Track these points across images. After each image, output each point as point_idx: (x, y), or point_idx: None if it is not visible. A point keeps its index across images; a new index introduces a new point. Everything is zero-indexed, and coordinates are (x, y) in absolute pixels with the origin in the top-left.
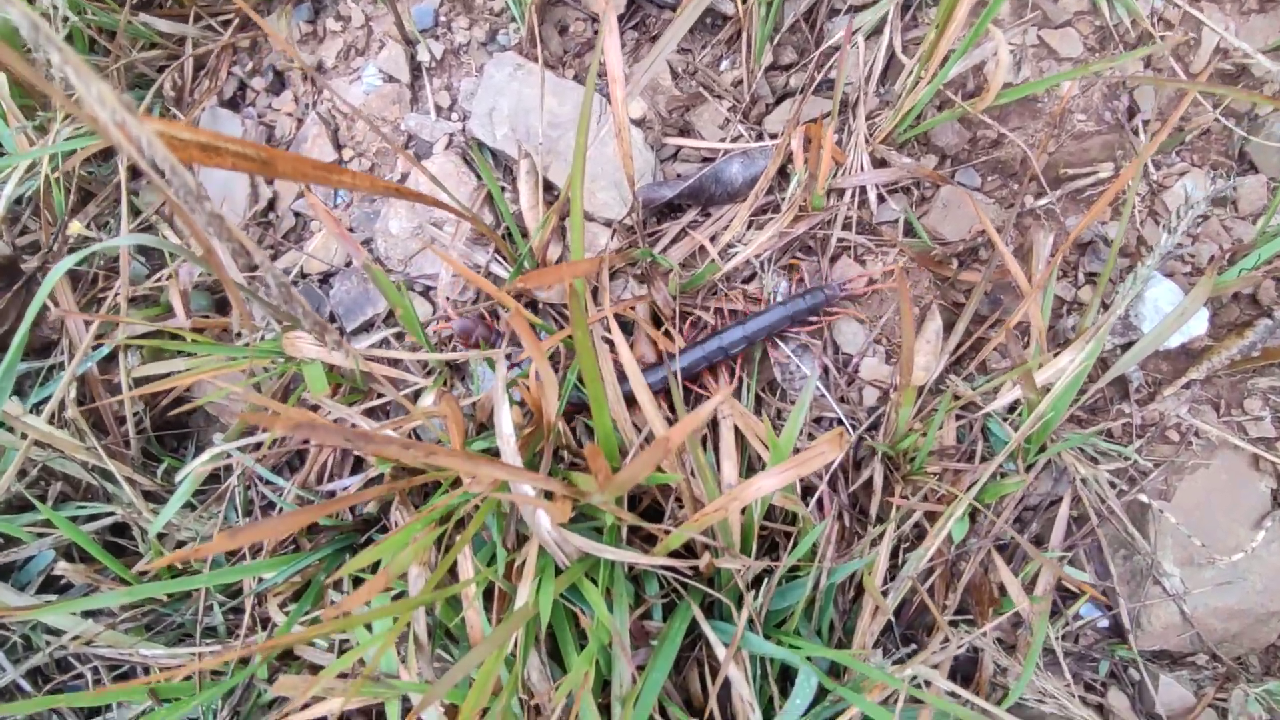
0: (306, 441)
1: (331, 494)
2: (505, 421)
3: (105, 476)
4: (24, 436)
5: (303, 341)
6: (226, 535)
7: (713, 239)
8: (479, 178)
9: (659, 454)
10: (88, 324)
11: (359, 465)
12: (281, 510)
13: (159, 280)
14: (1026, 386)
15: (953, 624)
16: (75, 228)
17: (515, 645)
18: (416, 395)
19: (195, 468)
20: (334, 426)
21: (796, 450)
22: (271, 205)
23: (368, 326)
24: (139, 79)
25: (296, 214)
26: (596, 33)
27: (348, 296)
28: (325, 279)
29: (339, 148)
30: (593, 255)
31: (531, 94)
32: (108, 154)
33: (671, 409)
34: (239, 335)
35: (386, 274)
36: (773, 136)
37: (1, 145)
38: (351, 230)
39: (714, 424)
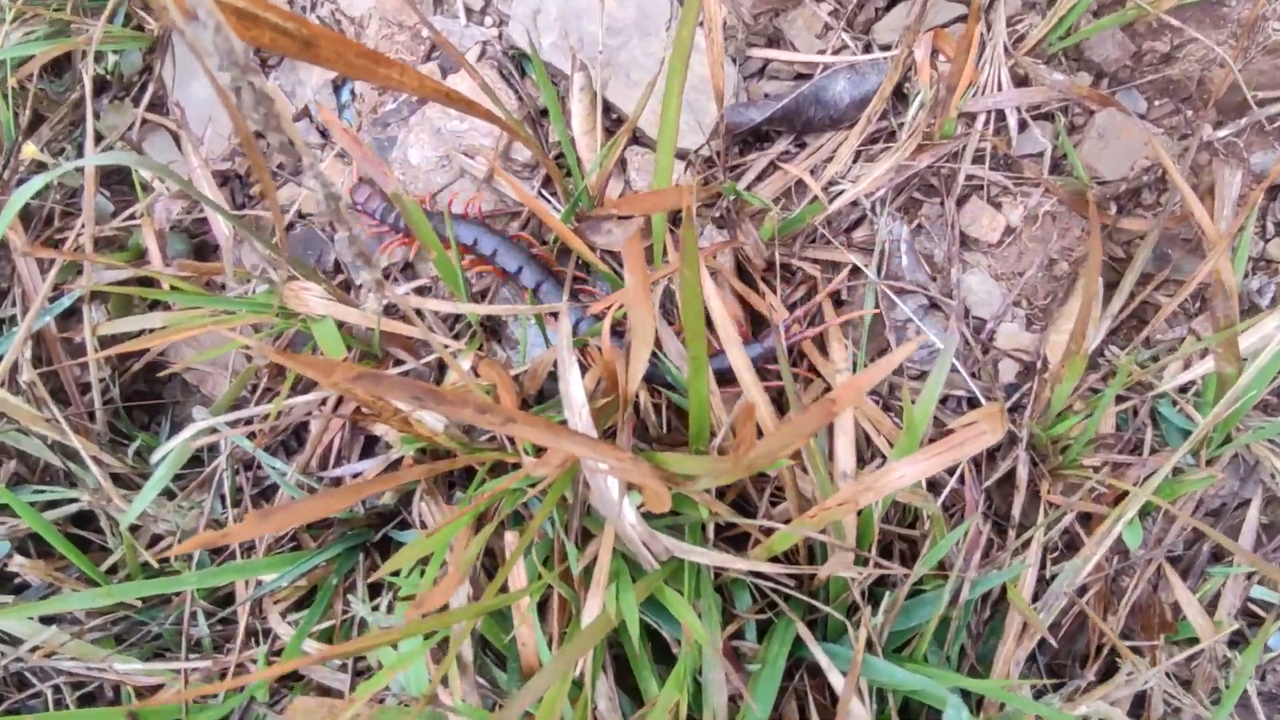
0: (308, 414)
1: (338, 480)
2: (575, 386)
3: (68, 455)
4: None
5: (309, 294)
6: (256, 518)
7: (812, 173)
8: (520, 97)
9: (817, 420)
10: (45, 267)
11: (370, 447)
12: (278, 497)
13: (128, 219)
14: (1225, 358)
15: (1111, 651)
16: (29, 151)
17: (579, 668)
18: (441, 366)
19: (175, 447)
20: (403, 380)
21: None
22: (260, 134)
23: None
24: None
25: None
26: None
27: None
28: (330, 221)
29: None
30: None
31: None
32: (60, 67)
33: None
34: (223, 287)
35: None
36: (884, 48)
37: None
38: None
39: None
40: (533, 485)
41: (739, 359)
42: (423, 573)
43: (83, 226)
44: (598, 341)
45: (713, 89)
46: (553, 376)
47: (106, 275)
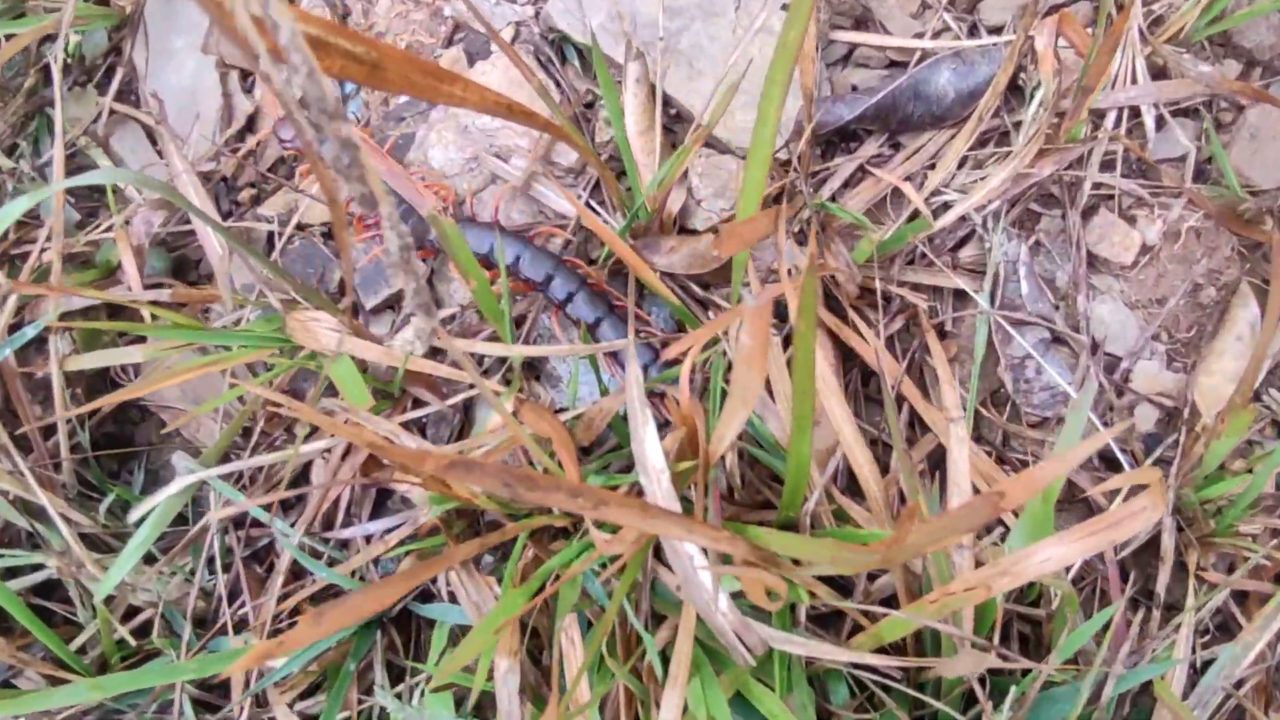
0: (306, 469)
1: (345, 543)
2: (653, 449)
3: (31, 512)
4: None
5: (320, 326)
6: (310, 621)
7: (910, 180)
8: (560, 88)
9: (982, 514)
10: (3, 296)
11: (382, 503)
12: (276, 562)
13: (96, 230)
14: None
15: None
16: None
17: None
18: (467, 405)
19: (160, 504)
20: (498, 469)
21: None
22: (250, 125)
23: (393, 303)
24: None
25: (284, 142)
26: None
27: (365, 257)
28: (332, 234)
29: None
30: (735, 199)
31: None
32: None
33: None
34: (206, 311)
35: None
36: (993, 30)
37: None
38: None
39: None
40: (602, 562)
41: (844, 421)
42: (454, 642)
43: (48, 242)
44: (668, 389)
45: (799, 85)
46: (612, 426)
47: (75, 300)
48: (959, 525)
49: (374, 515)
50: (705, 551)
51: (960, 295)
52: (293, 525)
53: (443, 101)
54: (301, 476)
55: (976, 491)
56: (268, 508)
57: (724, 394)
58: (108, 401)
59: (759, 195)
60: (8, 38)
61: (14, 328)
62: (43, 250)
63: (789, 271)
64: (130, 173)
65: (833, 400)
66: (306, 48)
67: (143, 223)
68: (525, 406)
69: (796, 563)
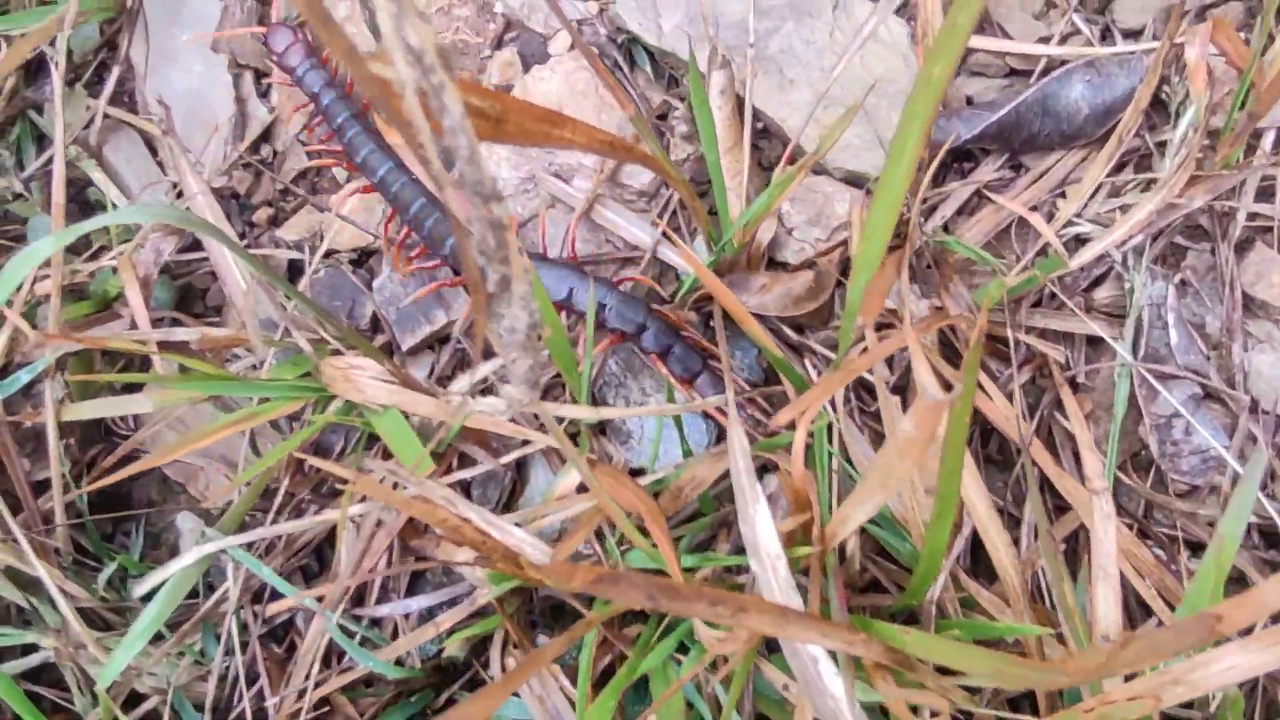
0: (330, 533)
1: (377, 622)
2: (766, 531)
3: (22, 584)
4: None
5: (362, 374)
6: None
7: (1035, 209)
8: (634, 99)
9: (1196, 636)
10: None
11: (419, 577)
12: (298, 643)
13: (93, 256)
14: None
15: None
16: None
17: None
18: (519, 464)
19: (172, 576)
20: (643, 579)
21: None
22: (267, 134)
23: (432, 343)
24: None
25: (308, 153)
26: None
27: (403, 294)
28: (361, 261)
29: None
30: (838, 230)
31: None
32: None
33: None
34: (221, 355)
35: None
36: (1129, 34)
37: None
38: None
39: (1025, 524)
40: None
41: (979, 499)
42: None
43: (40, 276)
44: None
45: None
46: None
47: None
48: (1165, 649)
49: (410, 588)
50: (831, 652)
51: (1094, 341)
52: (320, 600)
53: (554, 145)
54: (325, 541)
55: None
56: (287, 577)
57: (830, 457)
58: (120, 474)
59: (885, 241)
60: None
61: (1, 370)
62: (35, 281)
63: (919, 323)
64: (156, 208)
65: (967, 475)
66: (472, 132)
67: (151, 251)
68: (601, 471)
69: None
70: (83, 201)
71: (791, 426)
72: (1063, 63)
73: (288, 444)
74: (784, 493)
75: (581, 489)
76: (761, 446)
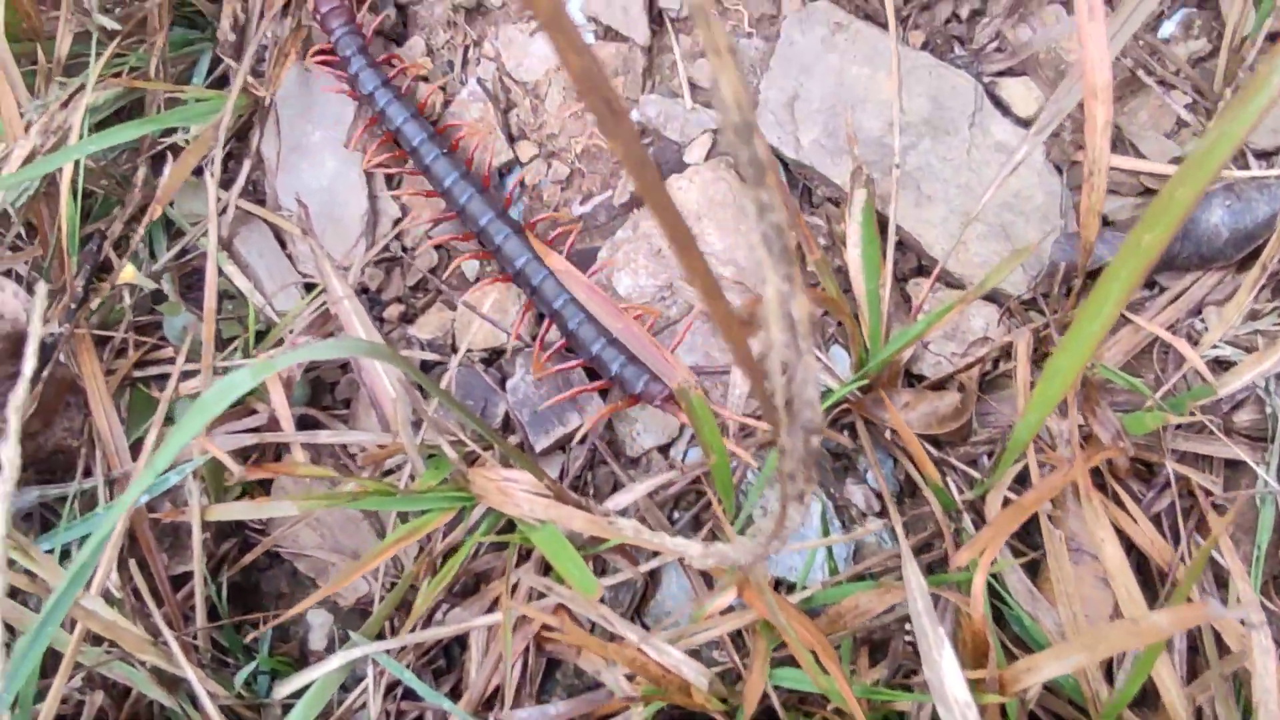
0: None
1: None
2: (953, 678)
3: (164, 683)
4: (70, 625)
5: (515, 486)
6: None
7: (1172, 328)
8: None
9: None
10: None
11: (551, 674)
12: None
13: (230, 351)
14: None
15: None
16: (128, 274)
17: None
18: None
19: (319, 680)
20: None
21: None
22: (397, 231)
23: (564, 444)
24: (182, 16)
25: (438, 247)
26: None
27: (535, 395)
28: (492, 360)
29: (513, 138)
30: (974, 345)
31: (861, 75)
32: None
33: None
34: (359, 463)
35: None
36: (1262, 156)
37: None
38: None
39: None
40: None
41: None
42: None
43: (178, 374)
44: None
45: (1080, 237)
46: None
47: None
48: None
49: (544, 697)
50: None
51: (1233, 463)
52: (456, 702)
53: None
54: (455, 641)
55: None
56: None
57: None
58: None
59: (1066, 387)
60: (141, 151)
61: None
62: (181, 380)
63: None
64: (354, 343)
65: (1134, 609)
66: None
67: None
68: (750, 591)
69: None
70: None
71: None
72: None
73: (448, 567)
74: (962, 633)
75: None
76: (934, 582)
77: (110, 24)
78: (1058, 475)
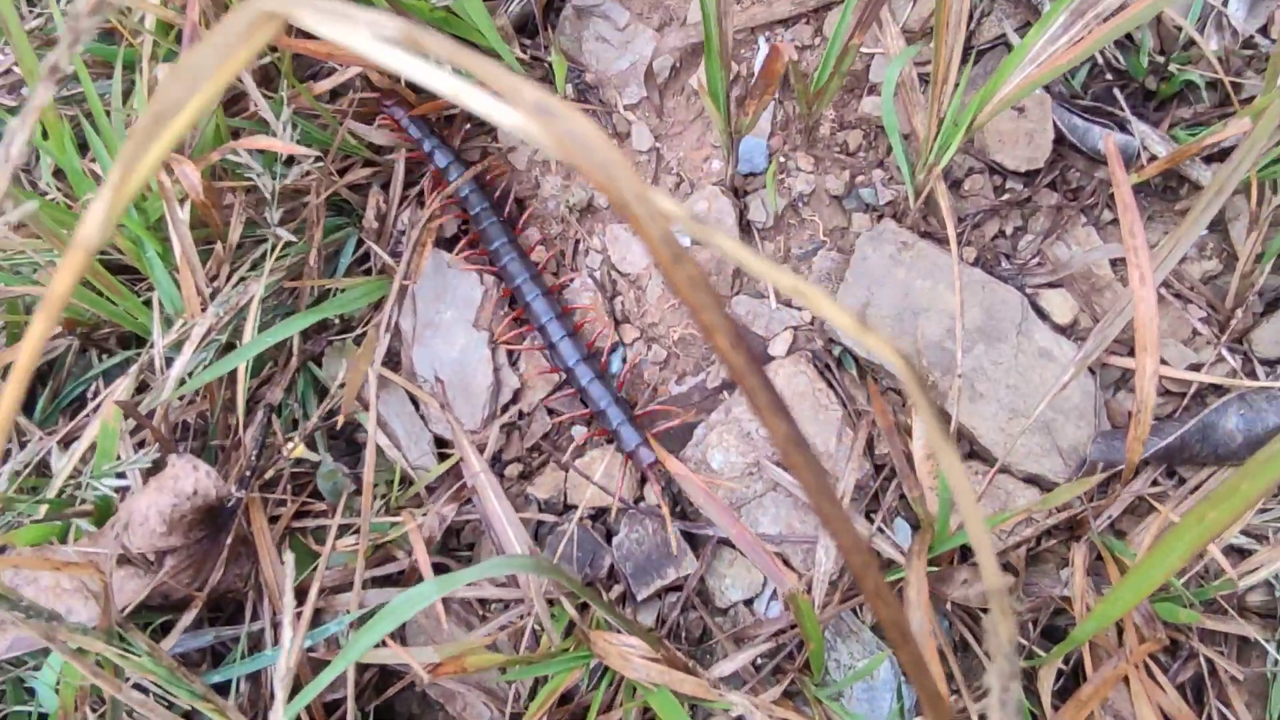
0: None
1: None
2: None
3: None
4: None
5: (633, 652)
6: None
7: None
8: (843, 402)
9: None
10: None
11: None
12: None
13: (386, 511)
14: None
15: None
16: (298, 450)
17: None
18: None
19: None
20: None
21: None
22: (516, 398)
23: (662, 593)
24: (331, 204)
25: (550, 411)
26: (1003, 190)
27: (638, 549)
28: (597, 516)
29: (618, 322)
30: (1019, 525)
31: (924, 287)
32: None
33: None
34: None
35: (681, 519)
36: (1268, 363)
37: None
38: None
39: None
40: None
41: None
42: None
43: (344, 539)
44: None
45: (1125, 449)
46: None
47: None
48: None
49: None
50: None
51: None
52: None
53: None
54: None
55: None
56: None
57: None
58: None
59: (1123, 613)
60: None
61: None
62: (340, 534)
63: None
64: (522, 560)
65: None
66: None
67: (436, 518)
68: None
69: None
70: (351, 441)
71: None
72: (1212, 386)
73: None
74: None
75: None
76: None
77: (286, 235)
78: (1110, 670)
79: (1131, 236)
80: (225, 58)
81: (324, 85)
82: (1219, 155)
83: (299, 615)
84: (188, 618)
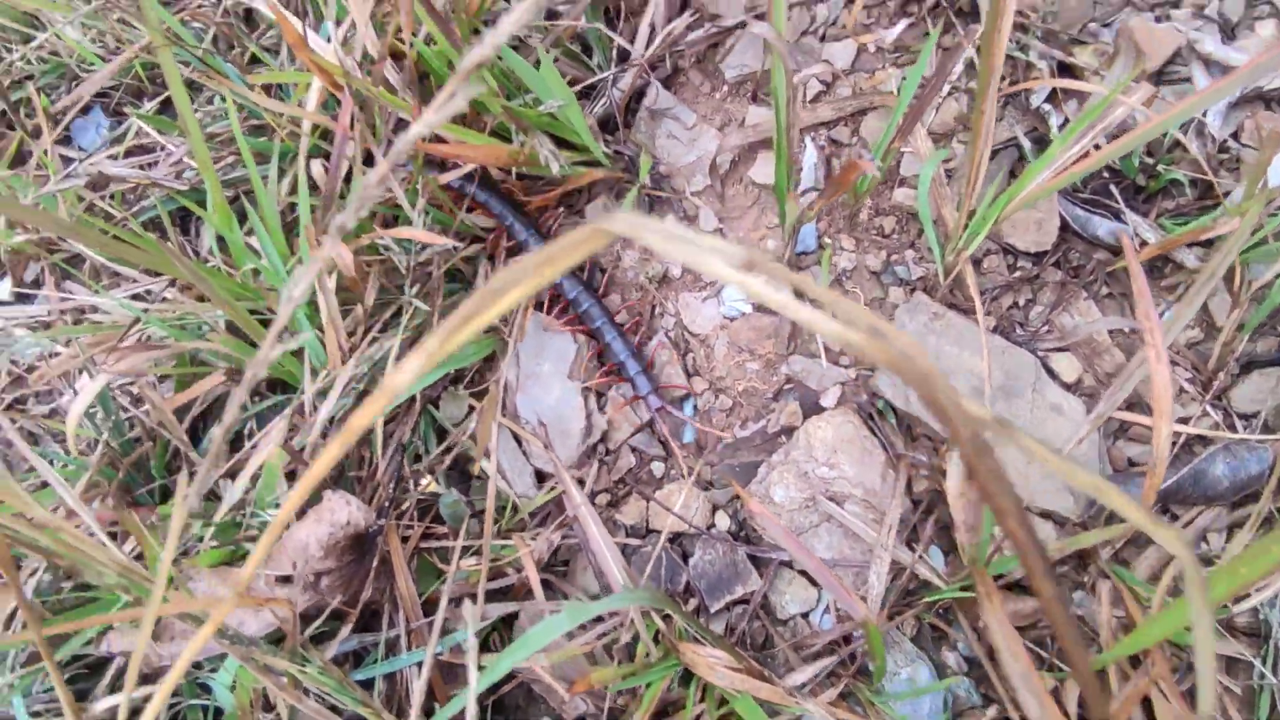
0: None
1: None
2: None
3: None
4: None
5: (718, 662)
6: None
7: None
8: (884, 446)
9: None
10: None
11: None
12: None
13: (503, 535)
14: None
15: None
16: (430, 485)
17: None
18: None
19: None
20: None
21: None
22: (604, 438)
23: (731, 605)
24: (448, 273)
25: (634, 450)
26: (1015, 268)
27: (711, 569)
28: (674, 539)
29: (689, 374)
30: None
31: (952, 352)
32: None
33: None
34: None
35: (745, 544)
36: (1245, 417)
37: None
38: (710, 485)
39: None
40: None
41: None
42: None
43: (468, 558)
44: None
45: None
46: None
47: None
48: None
49: None
50: None
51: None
52: None
53: None
54: None
55: None
56: None
57: None
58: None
59: (1149, 644)
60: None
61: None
62: (462, 554)
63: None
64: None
65: None
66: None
67: (545, 543)
68: None
69: None
70: (462, 471)
71: None
72: (1199, 437)
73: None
74: None
75: None
76: None
77: (420, 304)
78: (1133, 689)
79: (1147, 319)
80: (553, 262)
81: (447, 176)
82: (1203, 243)
83: (430, 624)
84: (345, 630)
